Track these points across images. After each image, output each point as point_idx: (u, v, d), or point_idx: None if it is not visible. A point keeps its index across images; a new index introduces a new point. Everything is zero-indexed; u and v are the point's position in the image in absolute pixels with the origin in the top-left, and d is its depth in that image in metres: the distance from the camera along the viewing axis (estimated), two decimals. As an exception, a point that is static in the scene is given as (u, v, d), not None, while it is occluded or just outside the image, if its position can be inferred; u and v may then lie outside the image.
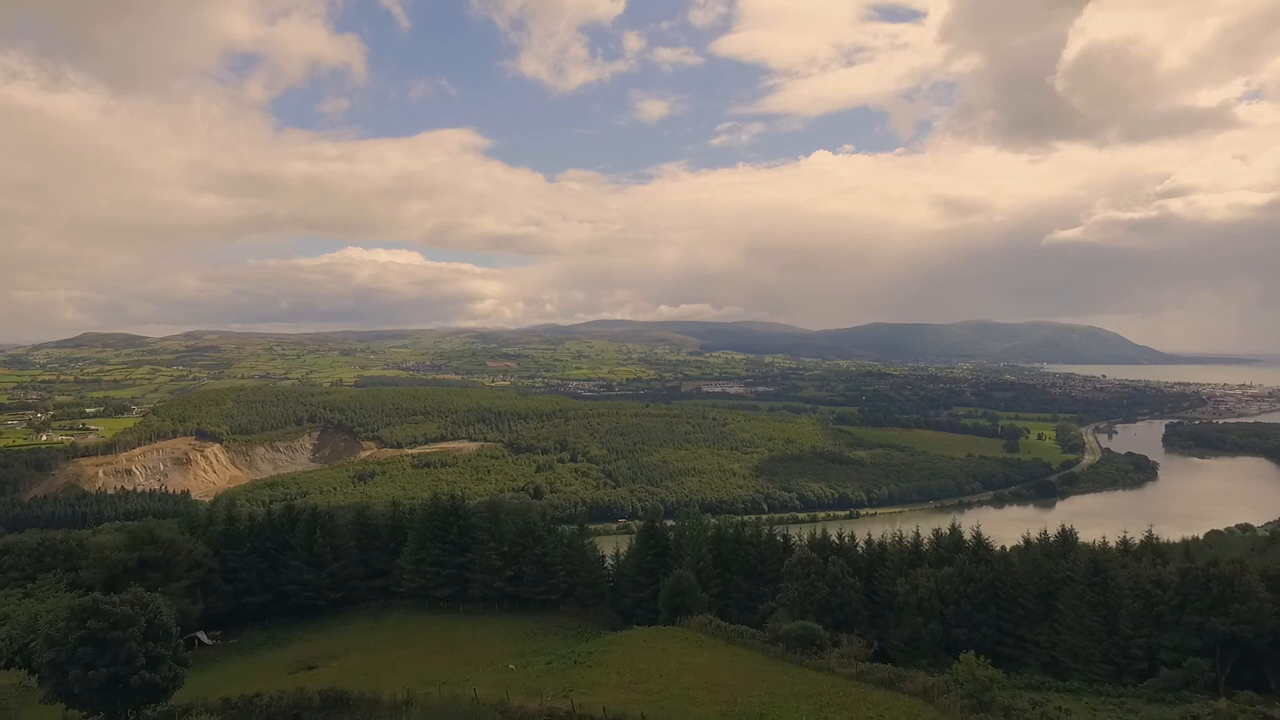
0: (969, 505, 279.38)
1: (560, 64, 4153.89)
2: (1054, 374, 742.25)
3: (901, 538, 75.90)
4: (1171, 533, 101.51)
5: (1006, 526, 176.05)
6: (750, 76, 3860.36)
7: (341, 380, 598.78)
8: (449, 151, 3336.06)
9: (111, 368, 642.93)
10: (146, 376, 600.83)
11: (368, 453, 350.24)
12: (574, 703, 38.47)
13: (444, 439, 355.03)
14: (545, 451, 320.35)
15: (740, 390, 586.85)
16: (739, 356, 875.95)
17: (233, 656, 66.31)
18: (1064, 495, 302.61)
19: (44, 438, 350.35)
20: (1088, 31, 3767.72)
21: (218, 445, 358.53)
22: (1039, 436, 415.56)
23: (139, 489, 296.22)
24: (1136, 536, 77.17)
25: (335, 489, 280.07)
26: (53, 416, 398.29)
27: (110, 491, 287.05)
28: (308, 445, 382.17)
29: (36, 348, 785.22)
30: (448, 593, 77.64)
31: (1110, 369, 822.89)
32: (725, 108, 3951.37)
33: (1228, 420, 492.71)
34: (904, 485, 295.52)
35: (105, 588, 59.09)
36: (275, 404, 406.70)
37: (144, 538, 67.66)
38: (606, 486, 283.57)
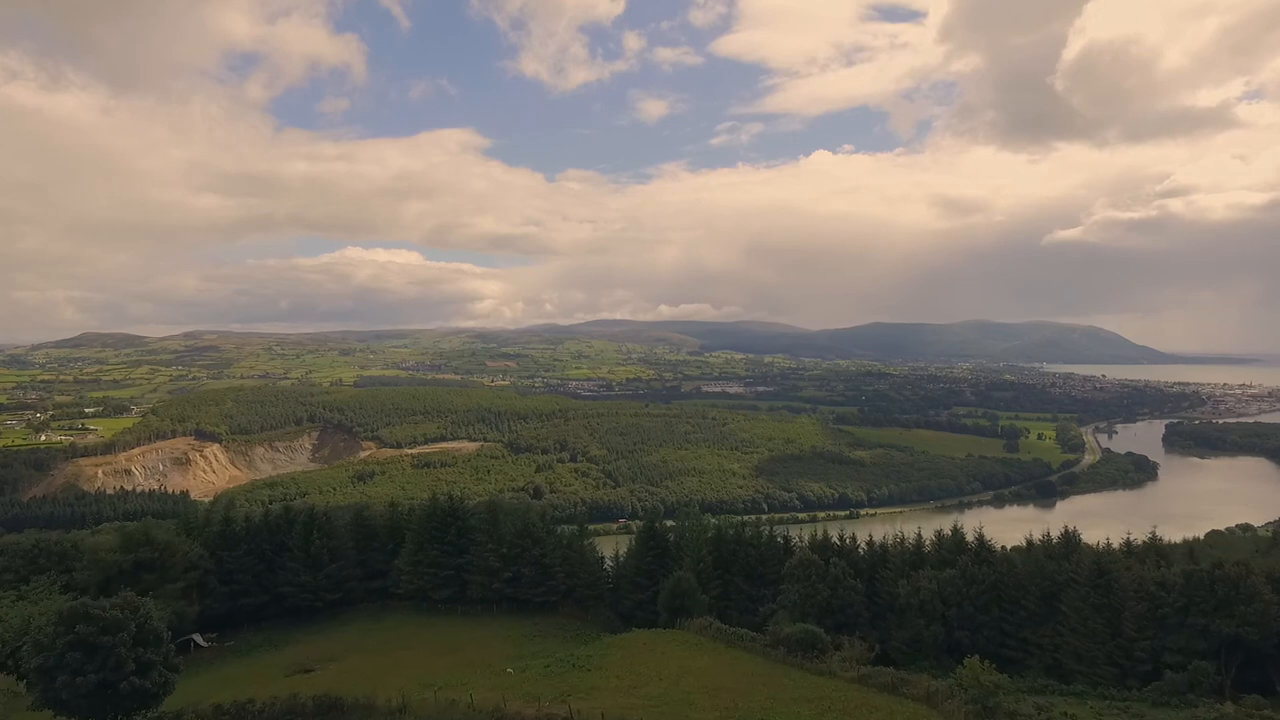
0: (969, 505, 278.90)
1: (560, 64, 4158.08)
2: (1054, 374, 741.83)
3: (903, 539, 75.25)
4: (1172, 533, 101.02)
5: (1007, 526, 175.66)
6: (750, 76, 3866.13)
7: (341, 380, 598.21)
8: (449, 151, 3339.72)
9: (111, 368, 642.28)
10: (146, 376, 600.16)
11: (367, 453, 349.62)
12: (572, 708, 37.88)
13: (443, 439, 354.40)
14: (545, 451, 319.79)
15: (740, 390, 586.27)
16: (739, 356, 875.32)
17: (229, 659, 65.75)
18: (1064, 495, 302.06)
19: (43, 438, 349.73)
20: (1088, 31, 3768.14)
21: (217, 445, 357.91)
22: (1039, 436, 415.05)
23: (138, 489, 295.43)
24: (1139, 537, 76.66)
25: (335, 489, 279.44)
26: (52, 416, 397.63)
27: (109, 492, 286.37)
28: (307, 445, 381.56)
29: (36, 348, 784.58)
30: (446, 594, 77.09)
31: (1110, 369, 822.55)
32: (725, 107, 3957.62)
33: (1228, 420, 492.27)
34: (904, 485, 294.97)
35: (100, 590, 58.71)
36: (275, 404, 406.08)
37: (139, 539, 67.13)
38: (606, 486, 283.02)
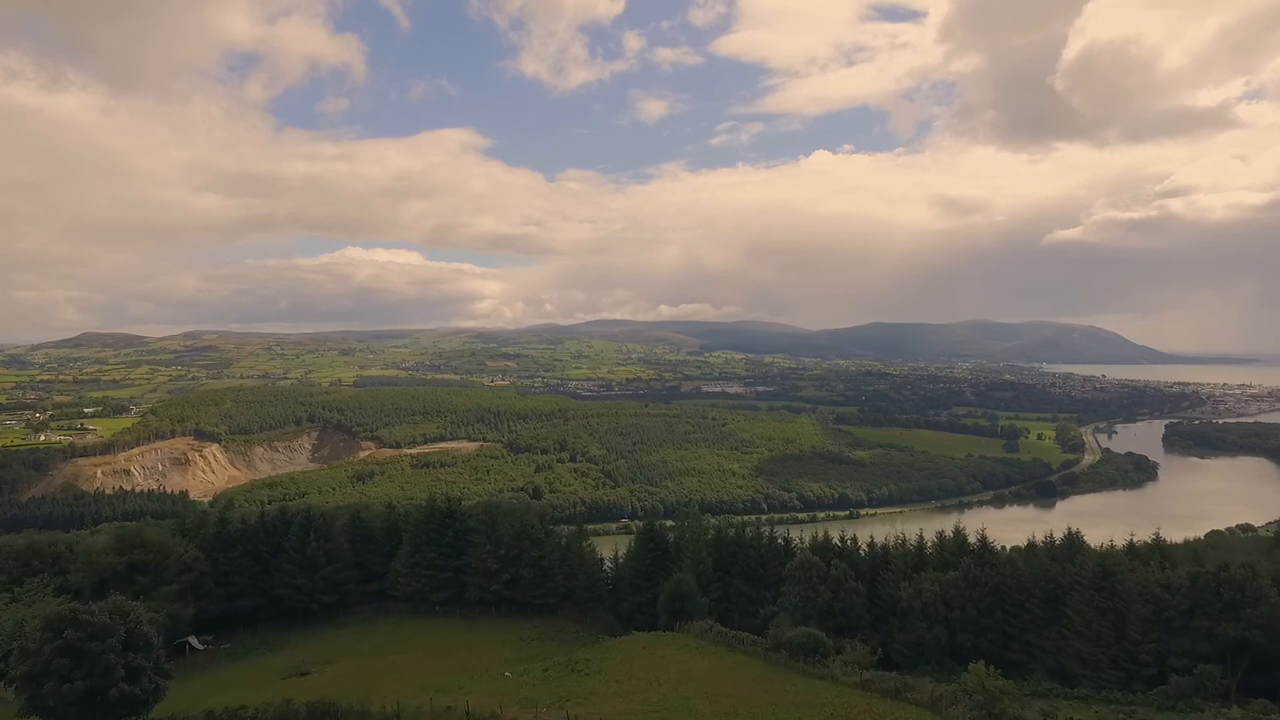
0: (969, 505, 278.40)
1: (560, 64, 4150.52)
2: (1054, 374, 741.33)
3: (905, 541, 74.64)
4: (1173, 533, 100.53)
5: (1007, 526, 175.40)
6: (750, 76, 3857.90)
7: (340, 380, 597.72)
8: (449, 151, 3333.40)
9: (110, 368, 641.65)
10: (145, 376, 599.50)
11: (367, 453, 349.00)
12: (570, 714, 37.31)
13: (443, 439, 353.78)
14: (544, 451, 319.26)
15: (740, 390, 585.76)
16: (739, 356, 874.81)
17: (224, 662, 65.20)
18: (1064, 495, 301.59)
19: (42, 438, 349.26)
20: (1088, 31, 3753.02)
21: (216, 445, 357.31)
22: (1039, 436, 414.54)
23: (137, 489, 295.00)
24: (1140, 537, 76.10)
25: (334, 489, 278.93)
26: (51, 416, 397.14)
27: (108, 492, 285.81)
28: (306, 445, 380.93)
29: (35, 347, 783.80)
30: (444, 596, 76.47)
31: (1110, 369, 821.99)
32: (725, 107, 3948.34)
33: (1227, 420, 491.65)
34: (904, 485, 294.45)
35: (94, 592, 58.18)
36: (274, 404, 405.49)
37: (133, 541, 66.53)
38: (606, 486, 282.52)
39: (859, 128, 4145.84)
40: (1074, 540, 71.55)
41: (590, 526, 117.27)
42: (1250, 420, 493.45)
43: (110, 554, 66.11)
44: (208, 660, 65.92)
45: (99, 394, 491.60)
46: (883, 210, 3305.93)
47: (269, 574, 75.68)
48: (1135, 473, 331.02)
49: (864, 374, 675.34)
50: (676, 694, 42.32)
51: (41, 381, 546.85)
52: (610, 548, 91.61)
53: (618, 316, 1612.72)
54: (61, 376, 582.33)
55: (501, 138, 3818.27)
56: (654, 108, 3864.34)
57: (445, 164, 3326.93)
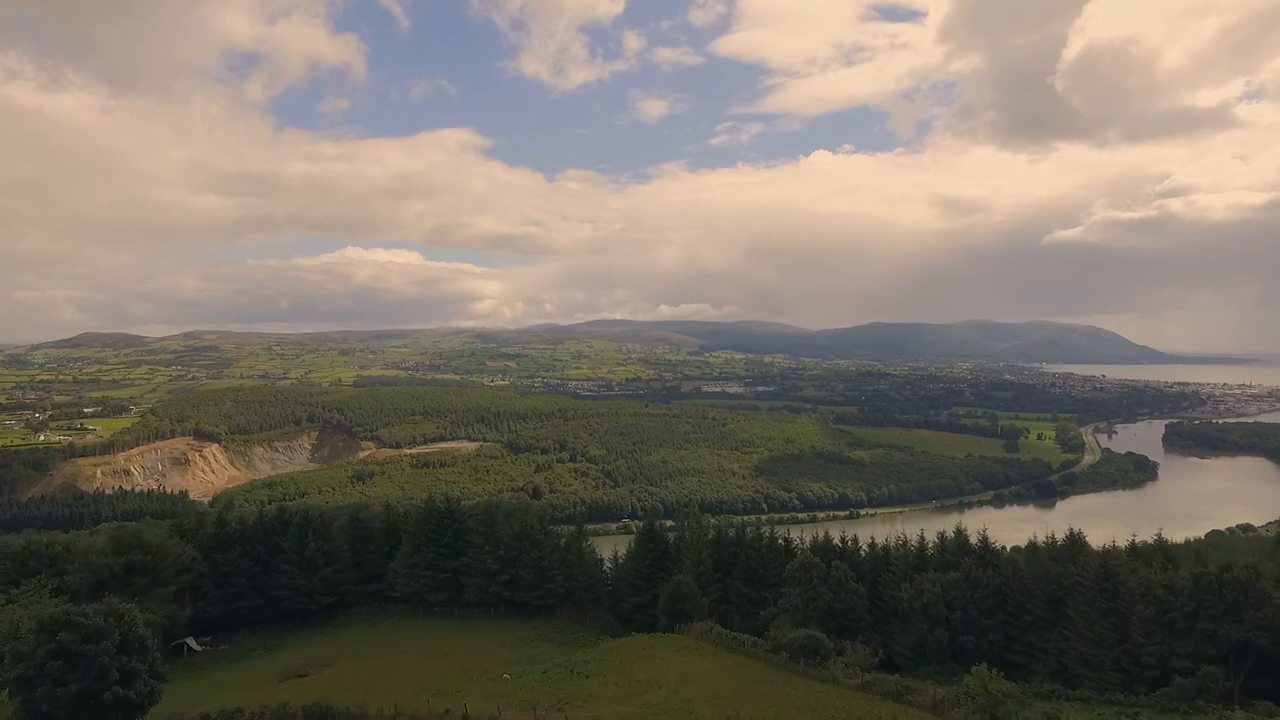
0: (969, 505, 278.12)
1: (560, 64, 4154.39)
2: (1054, 374, 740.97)
3: (906, 541, 74.21)
4: (1173, 533, 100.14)
5: (1007, 527, 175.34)
6: (750, 76, 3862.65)
7: (340, 380, 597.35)
8: (449, 151, 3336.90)
9: (110, 368, 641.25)
10: (145, 376, 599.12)
11: (366, 453, 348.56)
12: (568, 717, 37.00)
13: (443, 439, 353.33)
14: (544, 451, 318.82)
15: (740, 390, 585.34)
16: (739, 356, 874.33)
17: (221, 664, 64.86)
18: (1064, 495, 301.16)
19: (42, 438, 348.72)
20: (1088, 31, 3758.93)
21: (216, 445, 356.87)
22: (1039, 436, 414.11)
23: (137, 489, 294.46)
24: (1141, 537, 75.73)
25: (334, 489, 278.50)
26: (51, 416, 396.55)
27: (108, 492, 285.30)
28: (306, 445, 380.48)
29: (35, 347, 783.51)
30: (443, 597, 76.15)
31: (1110, 369, 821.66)
32: (725, 107, 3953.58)
33: (1227, 420, 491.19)
34: (904, 485, 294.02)
35: (91, 593, 57.85)
36: (274, 404, 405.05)
37: (130, 542, 66.20)
38: (606, 486, 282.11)
39: (859, 128, 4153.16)
40: (1076, 541, 71.14)
41: (590, 526, 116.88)
42: (1250, 420, 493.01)
43: (108, 555, 65.78)
44: (206, 661, 65.60)
45: (99, 394, 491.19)
46: (883, 210, 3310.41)
47: (267, 575, 75.35)
48: (1135, 473, 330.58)
49: (864, 374, 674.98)
50: (676, 696, 42.00)
51: (41, 381, 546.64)
52: (610, 548, 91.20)
53: (618, 316, 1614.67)
54: (61, 376, 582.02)
55: (501, 138, 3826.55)
56: (654, 108, 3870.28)
57: (445, 164, 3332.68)
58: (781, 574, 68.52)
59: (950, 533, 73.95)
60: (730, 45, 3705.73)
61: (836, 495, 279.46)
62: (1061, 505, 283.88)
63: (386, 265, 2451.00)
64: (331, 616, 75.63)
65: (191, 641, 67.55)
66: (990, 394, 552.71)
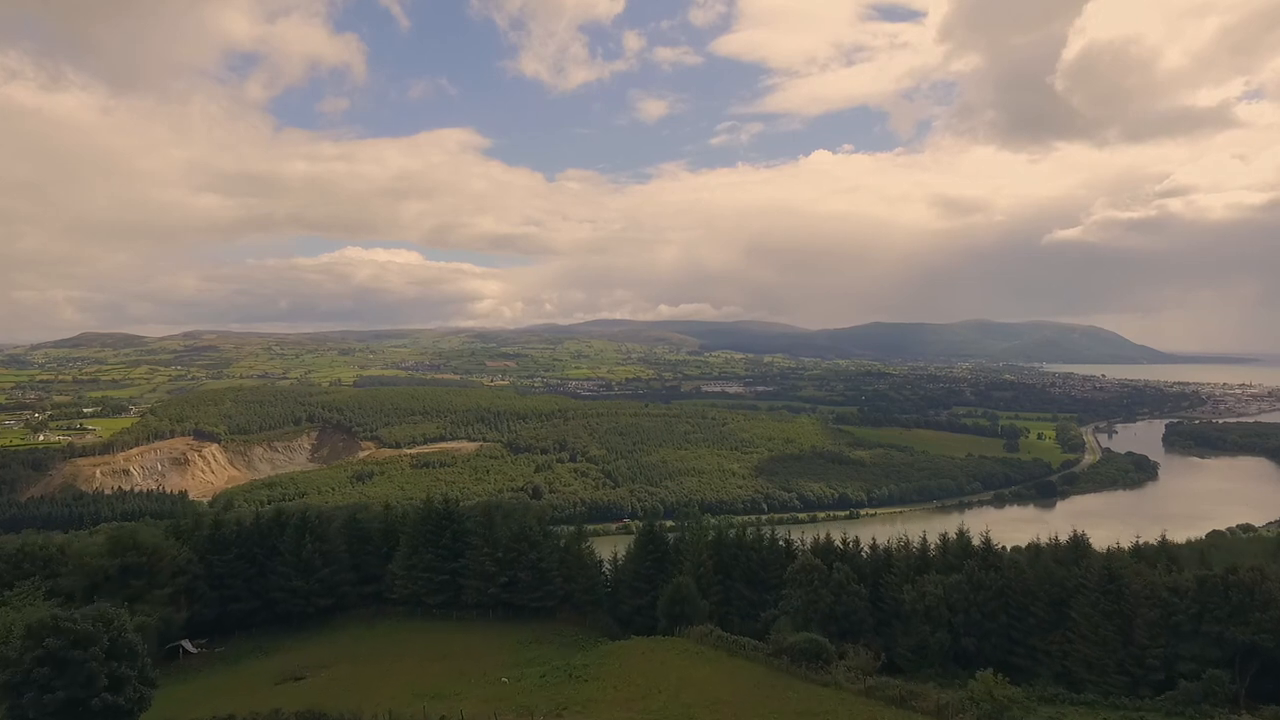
0: (969, 505, 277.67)
1: (560, 63, 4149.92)
2: (1054, 374, 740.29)
3: (907, 543, 73.59)
4: (1174, 533, 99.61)
5: (1008, 527, 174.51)
6: (750, 76, 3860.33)
7: (340, 380, 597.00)
8: (448, 151, 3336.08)
9: (110, 367, 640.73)
10: (144, 376, 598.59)
11: (366, 453, 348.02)
12: (567, 723, 36.41)
13: (443, 439, 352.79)
14: (544, 451, 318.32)
15: (740, 390, 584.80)
16: (738, 356, 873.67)
17: (217, 666, 64.32)
18: (1064, 495, 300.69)
19: (41, 438, 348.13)
20: (1088, 31, 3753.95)
21: (216, 445, 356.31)
22: (1039, 436, 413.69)
23: (136, 489, 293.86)
24: (1142, 538, 75.09)
25: (333, 489, 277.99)
26: (50, 416, 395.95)
27: (107, 492, 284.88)
28: (306, 445, 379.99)
29: (35, 347, 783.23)
30: (441, 599, 75.53)
31: (1110, 369, 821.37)
32: (725, 107, 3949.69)
33: (1227, 420, 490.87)
34: (904, 485, 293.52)
35: (85, 595, 57.26)
36: (273, 404, 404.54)
37: (126, 543, 65.57)
38: (606, 487, 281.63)
39: (859, 128, 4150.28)
40: (1079, 542, 70.37)
41: (590, 527, 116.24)
42: (1250, 420, 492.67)
43: (103, 556, 65.15)
44: (201, 664, 65.07)
45: (98, 394, 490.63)
46: (882, 210, 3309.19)
47: (264, 577, 74.69)
48: (1135, 472, 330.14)
49: (864, 374, 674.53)
50: (676, 701, 41.45)
51: (41, 381, 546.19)
52: (610, 549, 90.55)
53: (617, 316, 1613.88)
54: (61, 376, 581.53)
55: (501, 138, 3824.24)
56: (654, 107, 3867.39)
57: (445, 164, 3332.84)
58: (782, 576, 67.87)
59: (952, 534, 73.23)
60: (730, 45, 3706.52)
61: (836, 495, 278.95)
62: (1062, 505, 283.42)
63: (386, 265, 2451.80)
64: (328, 618, 74.98)
65: (187, 644, 66.99)
66: (990, 394, 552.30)
